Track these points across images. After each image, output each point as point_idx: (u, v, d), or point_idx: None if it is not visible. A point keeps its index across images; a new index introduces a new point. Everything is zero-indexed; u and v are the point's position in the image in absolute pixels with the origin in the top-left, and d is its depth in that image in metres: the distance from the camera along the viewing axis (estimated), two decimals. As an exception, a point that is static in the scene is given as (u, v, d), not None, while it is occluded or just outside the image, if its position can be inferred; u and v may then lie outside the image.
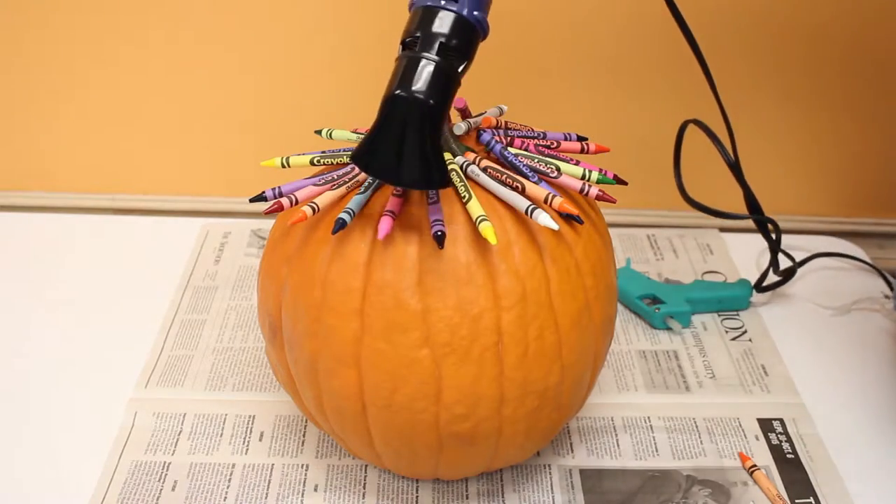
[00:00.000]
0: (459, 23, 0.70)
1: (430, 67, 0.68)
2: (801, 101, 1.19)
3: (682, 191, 1.02)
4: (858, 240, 1.18)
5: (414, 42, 0.69)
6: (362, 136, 0.80)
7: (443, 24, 0.69)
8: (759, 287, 1.05)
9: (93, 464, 0.83)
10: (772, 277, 1.05)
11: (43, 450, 0.85)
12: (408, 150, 0.68)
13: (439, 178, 0.69)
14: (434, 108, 0.68)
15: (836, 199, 1.25)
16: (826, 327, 1.02)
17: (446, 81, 0.69)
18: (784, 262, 1.05)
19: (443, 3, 0.70)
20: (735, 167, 0.98)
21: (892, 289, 1.05)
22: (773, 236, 1.02)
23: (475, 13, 0.70)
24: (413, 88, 0.67)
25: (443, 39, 0.69)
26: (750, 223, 1.04)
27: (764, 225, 1.03)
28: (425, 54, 0.68)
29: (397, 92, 0.67)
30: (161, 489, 0.81)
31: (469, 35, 0.70)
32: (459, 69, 0.70)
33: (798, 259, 1.05)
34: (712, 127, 0.97)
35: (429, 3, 0.70)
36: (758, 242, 1.06)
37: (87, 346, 0.97)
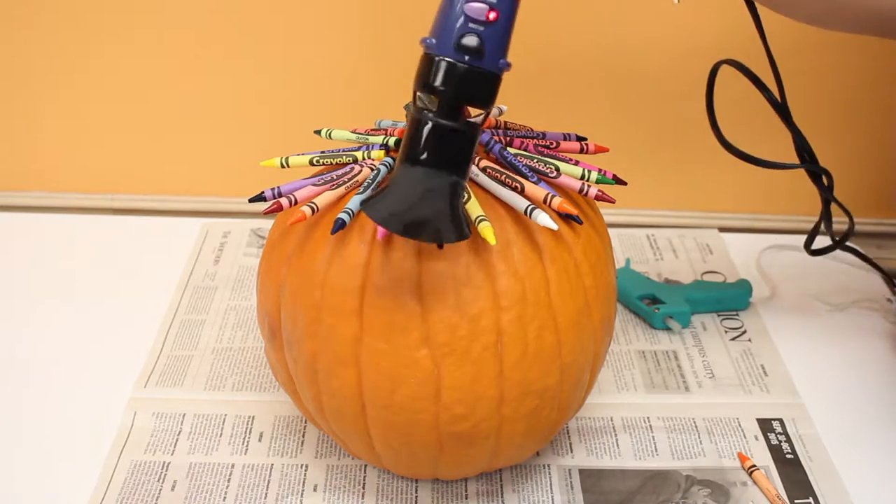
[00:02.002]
0: (481, 78, 0.65)
1: (454, 135, 0.65)
2: (801, 101, 1.19)
3: (721, 138, 0.93)
4: (858, 240, 1.18)
5: (434, 95, 0.65)
6: (362, 136, 0.80)
7: (463, 82, 0.65)
8: (810, 249, 0.98)
9: (92, 464, 0.83)
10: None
11: (42, 450, 0.85)
12: (441, 214, 0.65)
13: (467, 230, 0.66)
14: (458, 181, 0.65)
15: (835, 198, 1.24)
16: (826, 327, 1.02)
17: (469, 148, 0.66)
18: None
19: (462, 56, 0.64)
20: (782, 109, 0.90)
21: (893, 290, 1.05)
22: (826, 183, 0.94)
23: (500, 61, 0.66)
24: (437, 164, 0.64)
25: (464, 100, 0.65)
26: (750, 223, 1.04)
27: (818, 176, 0.94)
28: (451, 123, 0.65)
29: (422, 159, 0.64)
30: (160, 489, 0.81)
31: (492, 87, 0.66)
32: (482, 119, 0.67)
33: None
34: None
35: (446, 58, 0.64)
36: (758, 242, 1.06)
37: (87, 345, 0.97)
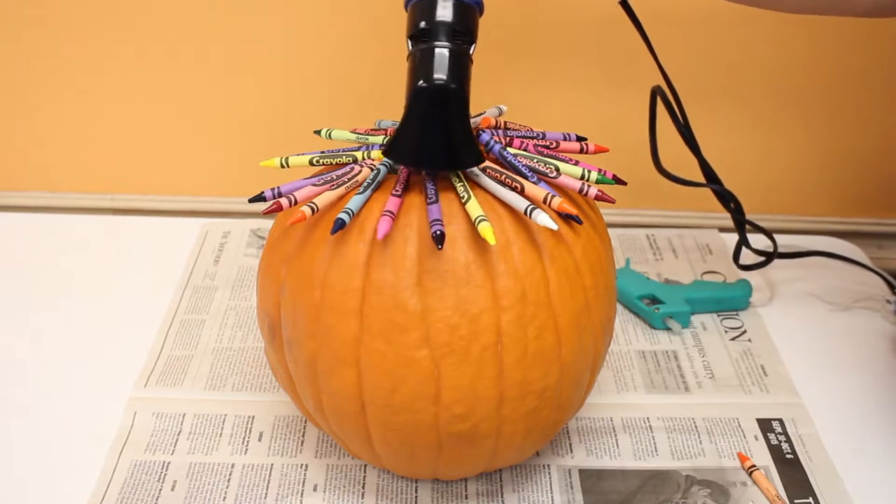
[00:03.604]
0: (461, 7, 0.72)
1: (447, 53, 0.70)
2: (801, 100, 1.20)
3: (656, 159, 1.03)
4: (858, 240, 1.18)
5: (422, 33, 0.72)
6: (362, 136, 0.80)
7: (446, 11, 0.72)
8: (738, 263, 1.06)
9: (92, 463, 0.83)
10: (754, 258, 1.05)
11: (42, 449, 0.85)
12: (449, 135, 0.71)
13: (478, 154, 0.72)
14: (460, 90, 0.70)
15: (835, 199, 1.25)
16: (826, 327, 1.02)
17: (463, 64, 0.71)
18: (764, 243, 1.05)
19: None
20: (686, 133, 0.98)
21: (893, 290, 1.05)
22: (732, 206, 1.01)
23: (478, 1, 0.73)
24: (436, 77, 0.70)
25: (450, 26, 0.71)
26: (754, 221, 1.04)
27: (724, 197, 1.01)
28: (437, 43, 0.71)
29: (421, 84, 0.70)
30: (160, 489, 0.81)
31: (472, 17, 0.73)
32: (471, 51, 0.73)
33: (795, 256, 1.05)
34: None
35: None
36: (758, 241, 1.06)
37: (87, 345, 0.97)
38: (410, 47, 0.73)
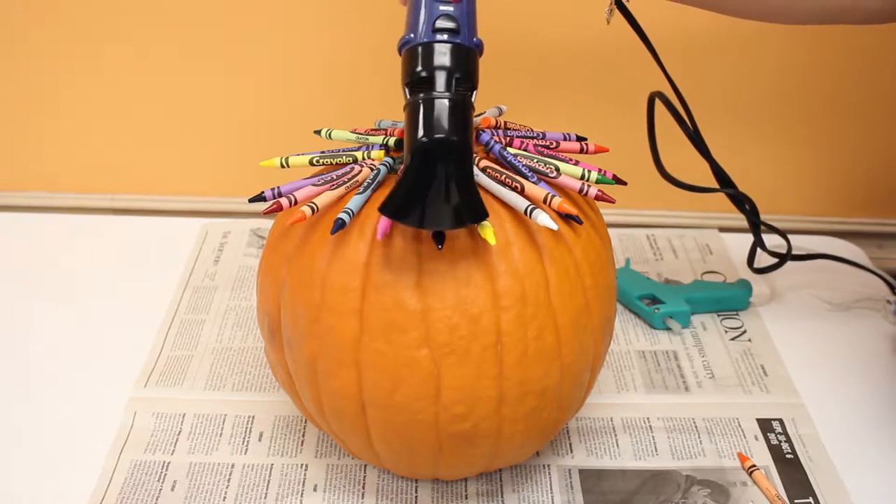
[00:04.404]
0: (462, 52, 0.69)
1: (448, 105, 0.67)
2: (801, 101, 1.20)
3: (658, 164, 1.01)
4: (858, 240, 1.18)
5: (422, 82, 0.68)
6: (362, 136, 0.80)
7: (445, 57, 0.69)
8: (753, 267, 1.05)
9: (92, 463, 0.83)
10: (768, 260, 1.04)
11: (42, 449, 0.85)
12: (453, 192, 0.67)
13: (483, 210, 0.68)
14: (464, 146, 0.67)
15: (836, 199, 1.25)
16: (826, 327, 1.02)
17: (467, 115, 0.68)
18: (777, 242, 1.04)
19: (440, 37, 0.69)
20: (696, 139, 0.96)
21: (893, 291, 1.05)
22: (748, 207, 0.99)
23: (474, 39, 0.70)
24: (437, 133, 0.66)
25: (451, 73, 0.68)
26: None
27: (738, 200, 0.99)
28: (437, 93, 0.68)
29: (424, 140, 0.66)
30: (160, 489, 0.81)
31: (473, 62, 0.70)
32: (473, 98, 0.70)
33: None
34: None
35: (425, 41, 0.69)
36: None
37: (87, 345, 0.97)
38: (408, 96, 0.69)
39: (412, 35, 0.70)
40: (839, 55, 1.16)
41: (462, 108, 0.68)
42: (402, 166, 0.69)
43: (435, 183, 0.67)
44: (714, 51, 1.16)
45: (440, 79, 0.68)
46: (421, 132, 0.67)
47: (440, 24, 0.69)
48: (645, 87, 1.00)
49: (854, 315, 1.03)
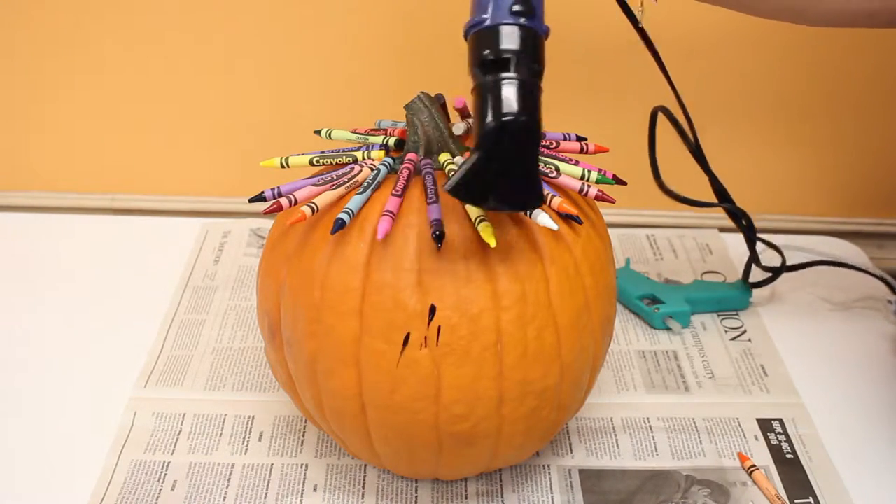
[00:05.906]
0: (536, 37, 0.68)
1: (527, 88, 0.67)
2: (802, 101, 1.20)
3: (658, 177, 1.01)
4: (858, 240, 1.18)
5: (501, 63, 0.67)
6: (362, 136, 0.80)
7: (521, 41, 0.67)
8: (747, 281, 1.04)
9: (92, 463, 0.83)
10: (762, 273, 1.04)
11: (42, 449, 0.85)
12: (521, 175, 0.67)
13: (542, 195, 0.69)
14: (536, 127, 0.67)
15: (836, 199, 1.25)
16: (826, 327, 1.02)
17: (537, 97, 0.68)
18: (773, 255, 1.04)
19: (522, 21, 0.68)
20: (697, 153, 0.97)
21: (893, 291, 1.05)
22: (745, 223, 1.00)
23: (545, 27, 0.70)
24: (510, 113, 0.66)
25: (525, 57, 0.67)
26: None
27: (736, 215, 1.00)
28: (518, 77, 0.67)
29: (507, 118, 0.66)
30: (160, 489, 0.81)
31: (542, 47, 0.69)
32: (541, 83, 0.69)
33: (796, 261, 1.05)
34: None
35: (505, 22, 0.68)
36: (763, 250, 1.06)
37: (87, 345, 0.97)
38: (478, 78, 0.68)
39: (485, 15, 0.68)
40: (840, 55, 1.16)
41: (533, 90, 0.67)
42: (469, 150, 0.68)
43: (505, 164, 0.66)
44: (716, 50, 1.16)
45: (517, 61, 0.67)
46: (495, 114, 0.66)
47: (518, 6, 0.68)
48: (645, 87, 1.00)
49: (854, 315, 1.03)
